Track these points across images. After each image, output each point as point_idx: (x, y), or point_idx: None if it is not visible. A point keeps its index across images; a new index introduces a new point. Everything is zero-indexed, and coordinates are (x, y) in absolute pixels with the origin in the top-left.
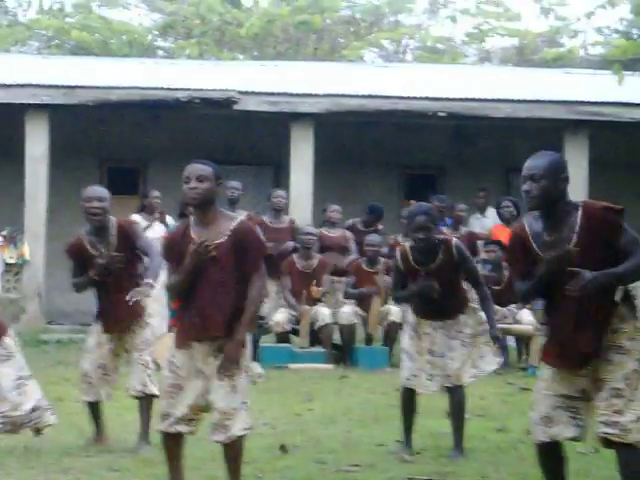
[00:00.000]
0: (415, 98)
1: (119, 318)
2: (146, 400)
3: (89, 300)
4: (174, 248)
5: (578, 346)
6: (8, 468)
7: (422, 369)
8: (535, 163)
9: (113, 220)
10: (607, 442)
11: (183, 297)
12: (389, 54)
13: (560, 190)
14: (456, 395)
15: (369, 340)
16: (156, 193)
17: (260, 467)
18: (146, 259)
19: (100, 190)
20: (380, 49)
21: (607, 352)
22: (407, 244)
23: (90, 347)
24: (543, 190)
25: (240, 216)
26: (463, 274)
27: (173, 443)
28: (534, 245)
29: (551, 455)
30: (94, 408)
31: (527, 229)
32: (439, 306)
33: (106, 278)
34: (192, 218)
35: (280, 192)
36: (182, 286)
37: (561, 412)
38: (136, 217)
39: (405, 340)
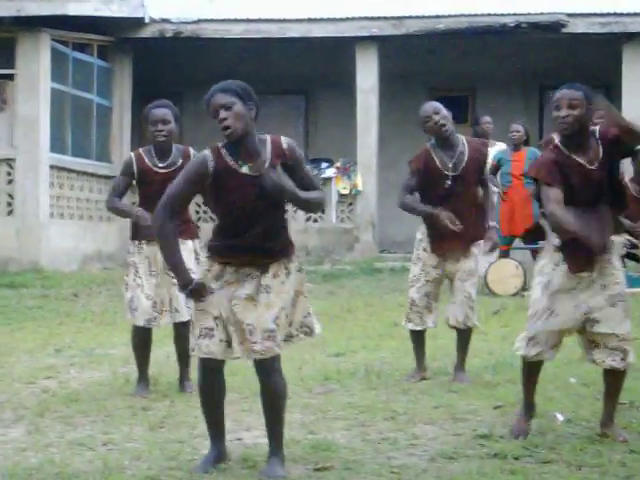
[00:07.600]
0: None
1: (454, 242)
2: (466, 332)
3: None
4: (557, 170)
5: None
6: (352, 389)
7: None
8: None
9: (463, 138)
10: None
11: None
12: None
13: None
14: None
15: None
16: (487, 118)
17: None
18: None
19: (436, 106)
20: None
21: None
22: None
23: (416, 275)
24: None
25: None
26: None
27: (535, 368)
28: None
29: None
30: (421, 337)
31: None
32: None
33: (448, 199)
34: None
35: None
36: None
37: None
38: None
39: None
